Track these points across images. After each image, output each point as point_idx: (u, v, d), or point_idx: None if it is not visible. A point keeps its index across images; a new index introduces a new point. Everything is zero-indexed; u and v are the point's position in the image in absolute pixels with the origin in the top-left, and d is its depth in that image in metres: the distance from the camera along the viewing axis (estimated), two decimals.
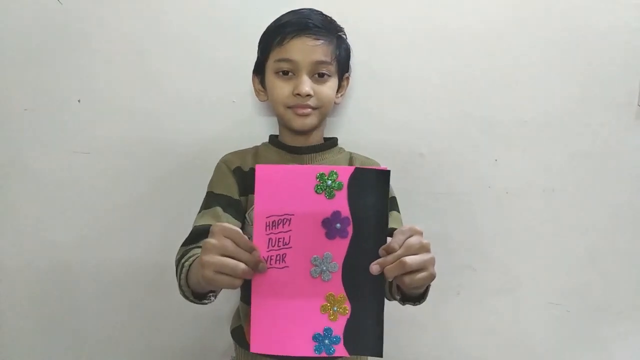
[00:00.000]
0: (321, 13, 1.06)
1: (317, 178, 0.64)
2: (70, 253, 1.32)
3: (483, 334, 1.37)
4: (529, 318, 1.35)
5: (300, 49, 0.99)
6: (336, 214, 0.65)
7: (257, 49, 1.10)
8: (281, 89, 1.01)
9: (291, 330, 0.66)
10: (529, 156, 1.30)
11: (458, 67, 1.28)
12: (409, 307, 0.93)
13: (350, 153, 1.13)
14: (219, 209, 0.96)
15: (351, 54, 1.13)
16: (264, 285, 0.65)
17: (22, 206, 1.31)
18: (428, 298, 1.04)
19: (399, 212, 1.08)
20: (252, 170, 1.01)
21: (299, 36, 0.99)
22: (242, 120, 1.28)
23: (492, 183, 1.30)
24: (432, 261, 0.67)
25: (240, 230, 0.67)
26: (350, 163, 1.11)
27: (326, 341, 0.66)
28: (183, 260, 0.83)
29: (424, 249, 0.66)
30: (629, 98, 1.29)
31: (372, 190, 0.65)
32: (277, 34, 1.01)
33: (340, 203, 0.65)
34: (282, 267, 0.64)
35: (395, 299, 0.84)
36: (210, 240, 0.64)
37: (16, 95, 1.28)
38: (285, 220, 0.64)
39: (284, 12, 1.06)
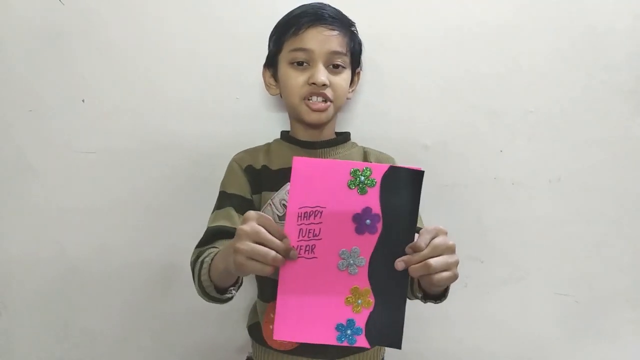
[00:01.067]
0: (332, 6, 1.11)
1: (350, 173, 0.70)
2: (76, 253, 1.39)
3: (491, 326, 1.45)
4: (536, 309, 1.44)
5: (316, 38, 1.03)
6: (367, 210, 0.71)
7: (258, 45, 1.15)
8: (295, 79, 1.05)
9: (315, 319, 0.73)
10: (534, 146, 1.37)
11: (462, 58, 1.34)
12: (416, 300, 0.99)
13: (363, 148, 1.19)
14: (231, 210, 1.02)
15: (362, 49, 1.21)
16: (291, 274, 0.71)
17: (28, 206, 1.37)
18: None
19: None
20: (265, 167, 1.09)
21: (314, 26, 1.04)
22: (246, 117, 1.35)
23: (498, 174, 1.36)
24: (456, 263, 0.73)
25: (271, 219, 0.74)
26: (365, 158, 1.16)
27: (348, 331, 0.73)
28: (202, 258, 0.90)
29: (449, 250, 0.72)
30: (634, 85, 1.36)
31: (404, 190, 0.70)
32: (291, 24, 1.06)
33: (372, 200, 0.70)
34: (311, 258, 0.71)
35: (417, 297, 0.92)
36: (244, 227, 0.70)
37: (21, 96, 1.34)
38: (317, 212, 0.69)
39: (285, 7, 1.10)
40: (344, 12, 1.15)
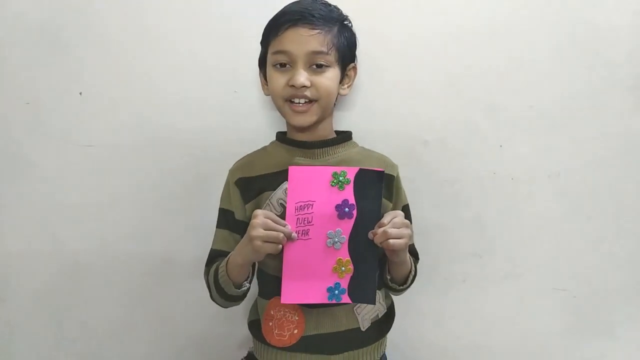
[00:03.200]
0: (324, 3, 1.42)
1: (332, 175, 1.28)
2: (74, 247, 1.79)
3: (489, 321, 1.86)
4: (535, 304, 1.83)
5: (295, 39, 1.35)
6: (345, 201, 1.28)
7: (256, 39, 1.47)
8: (277, 80, 1.38)
9: (311, 284, 1.30)
10: (534, 141, 1.75)
11: (462, 53, 1.71)
12: (415, 296, 1.55)
13: (364, 149, 1.54)
14: (227, 233, 1.49)
15: (357, 43, 1.48)
16: (293, 252, 1.28)
17: (25, 200, 1.77)
18: (435, 285, 1.74)
19: (410, 221, 1.46)
20: (263, 172, 1.46)
21: (293, 26, 1.35)
22: (244, 111, 1.74)
23: (498, 169, 1.77)
24: (408, 234, 1.29)
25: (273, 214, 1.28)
26: (366, 159, 1.50)
27: (336, 292, 1.30)
28: (215, 267, 1.43)
29: (404, 225, 1.28)
30: (635, 81, 1.73)
31: (370, 185, 1.28)
32: (272, 26, 1.39)
33: (348, 193, 1.28)
34: (306, 239, 1.29)
35: (387, 284, 1.49)
36: (256, 220, 1.26)
37: (18, 89, 1.72)
38: (309, 205, 1.28)
39: (287, 4, 1.43)
40: (341, 7, 1.45)
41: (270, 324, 1.45)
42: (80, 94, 1.76)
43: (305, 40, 1.37)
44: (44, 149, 1.77)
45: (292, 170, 1.31)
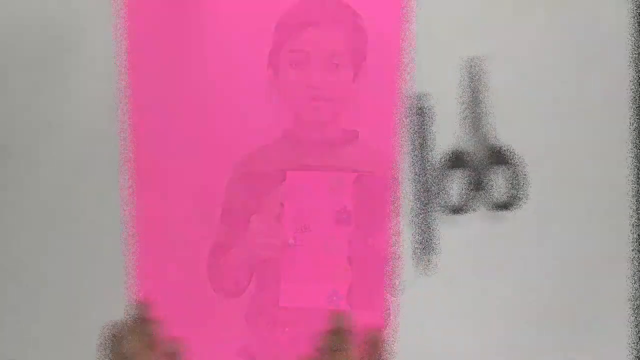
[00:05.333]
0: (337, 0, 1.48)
1: (330, 181, 1.32)
2: (71, 247, 1.77)
3: (486, 324, 1.80)
4: (529, 309, 1.82)
5: (314, 39, 1.46)
6: (344, 207, 1.33)
7: (254, 37, 1.53)
8: (292, 79, 1.48)
9: (309, 289, 1.36)
10: (534, 143, 1.77)
11: (460, 54, 1.74)
12: (408, 295, 1.58)
13: (370, 148, 1.57)
14: (228, 228, 1.49)
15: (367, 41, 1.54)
16: (290, 257, 1.34)
17: (21, 200, 1.79)
18: (430, 286, 1.72)
19: None
20: (265, 169, 1.51)
21: (313, 25, 1.46)
22: (243, 109, 1.69)
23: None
24: None
25: (271, 219, 1.33)
26: (372, 159, 1.54)
27: (334, 298, 1.35)
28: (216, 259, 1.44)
29: None
30: (635, 84, 1.76)
31: (370, 191, 1.33)
32: (290, 22, 1.47)
33: (347, 199, 1.33)
34: (304, 245, 1.33)
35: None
36: (252, 226, 1.32)
37: (15, 88, 1.76)
38: (306, 211, 1.32)
39: None
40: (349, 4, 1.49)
41: None
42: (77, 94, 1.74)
43: (324, 40, 1.43)
44: (41, 150, 1.77)
45: (290, 176, 1.39)
